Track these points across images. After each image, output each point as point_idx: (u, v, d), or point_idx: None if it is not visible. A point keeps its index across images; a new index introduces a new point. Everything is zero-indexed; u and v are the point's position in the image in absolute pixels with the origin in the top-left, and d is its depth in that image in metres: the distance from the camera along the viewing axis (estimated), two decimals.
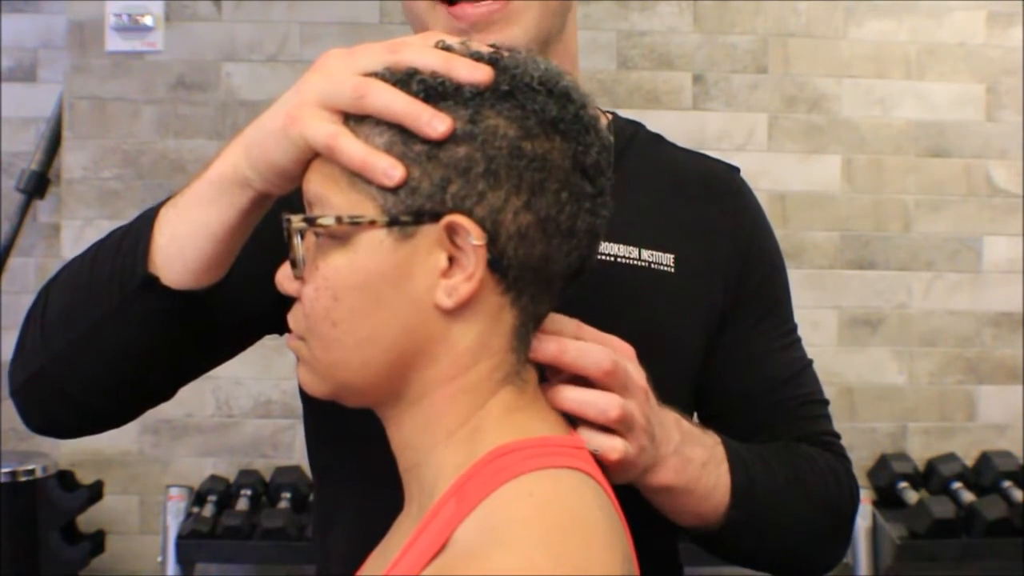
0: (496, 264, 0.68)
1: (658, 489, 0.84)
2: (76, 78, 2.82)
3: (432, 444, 0.72)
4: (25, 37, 2.95)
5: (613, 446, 0.77)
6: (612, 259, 0.96)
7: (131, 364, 0.85)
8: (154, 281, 0.81)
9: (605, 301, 0.87)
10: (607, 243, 0.96)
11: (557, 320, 0.77)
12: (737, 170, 1.10)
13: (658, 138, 1.09)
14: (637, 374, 0.79)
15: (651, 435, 0.81)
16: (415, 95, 0.68)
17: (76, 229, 2.80)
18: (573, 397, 0.76)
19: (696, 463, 0.86)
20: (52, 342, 0.86)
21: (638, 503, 0.84)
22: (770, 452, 0.96)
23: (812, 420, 1.03)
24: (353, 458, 0.95)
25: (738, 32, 2.90)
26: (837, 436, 1.05)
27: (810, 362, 1.06)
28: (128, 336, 0.84)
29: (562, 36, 0.98)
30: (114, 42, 2.81)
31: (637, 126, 1.08)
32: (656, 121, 1.14)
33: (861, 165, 2.91)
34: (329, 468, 1.02)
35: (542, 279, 0.71)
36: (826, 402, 1.06)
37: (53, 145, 2.84)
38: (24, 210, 2.82)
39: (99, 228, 2.73)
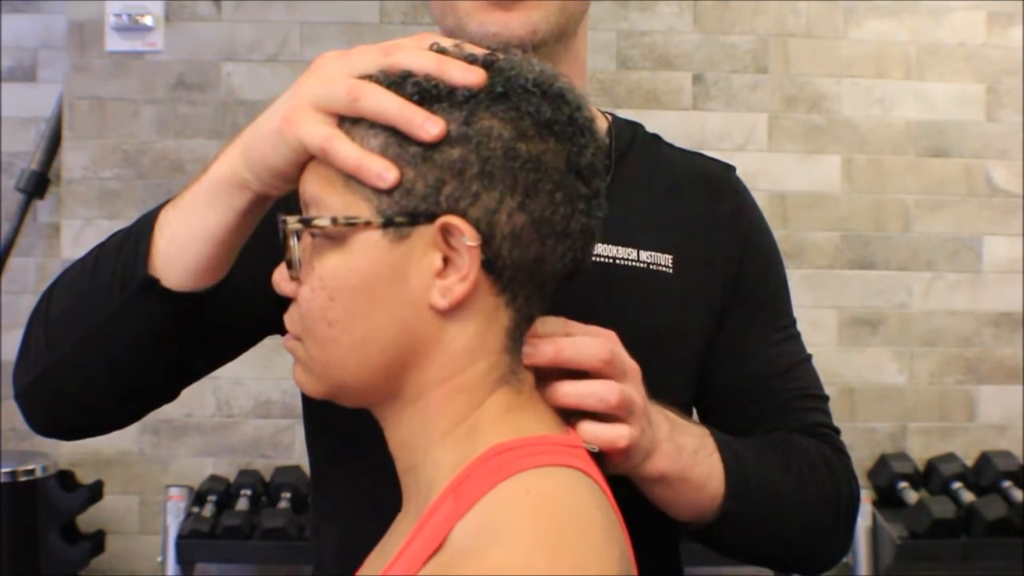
0: (490, 265, 0.69)
1: (655, 479, 0.84)
2: (76, 78, 2.82)
3: (429, 444, 0.72)
4: (25, 37, 2.95)
5: (620, 434, 0.77)
6: (611, 260, 0.96)
7: (133, 366, 0.86)
8: (154, 283, 0.82)
9: (604, 302, 0.87)
10: (606, 244, 0.96)
11: (546, 322, 0.77)
12: (733, 169, 1.10)
13: (656, 139, 1.09)
14: (628, 357, 0.80)
15: (648, 417, 0.81)
16: (409, 97, 0.68)
17: (76, 229, 2.80)
18: (571, 391, 0.76)
19: (688, 450, 0.86)
20: (55, 345, 0.86)
21: (638, 503, 0.84)
22: (763, 444, 0.95)
23: (807, 413, 1.03)
24: (348, 458, 0.95)
25: (738, 32, 2.90)
26: (836, 430, 1.04)
27: (808, 357, 1.06)
28: (129, 338, 0.84)
29: (574, 43, 0.98)
30: (114, 42, 2.81)
31: (636, 127, 1.08)
32: (656, 121, 1.14)
33: (861, 165, 2.91)
34: (325, 467, 1.02)
35: (536, 280, 0.71)
36: (825, 397, 1.05)
37: (53, 145, 2.84)
38: (24, 210, 2.82)
39: (99, 228, 2.74)
